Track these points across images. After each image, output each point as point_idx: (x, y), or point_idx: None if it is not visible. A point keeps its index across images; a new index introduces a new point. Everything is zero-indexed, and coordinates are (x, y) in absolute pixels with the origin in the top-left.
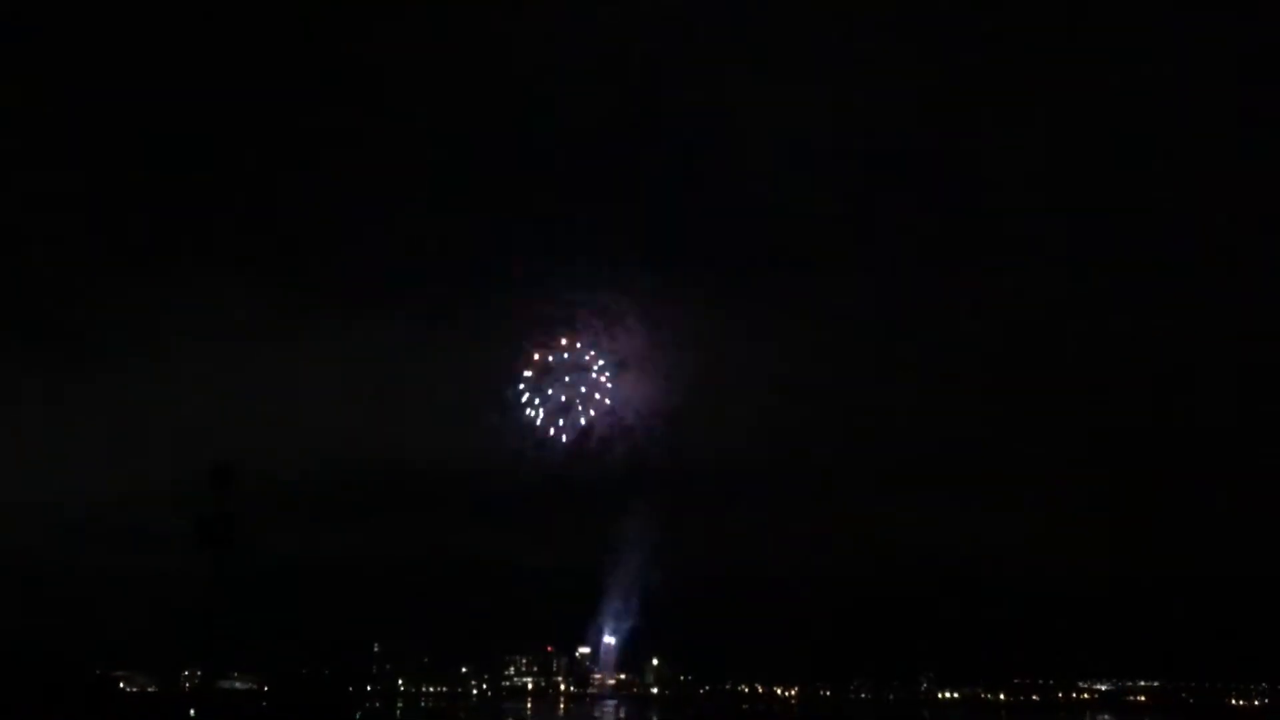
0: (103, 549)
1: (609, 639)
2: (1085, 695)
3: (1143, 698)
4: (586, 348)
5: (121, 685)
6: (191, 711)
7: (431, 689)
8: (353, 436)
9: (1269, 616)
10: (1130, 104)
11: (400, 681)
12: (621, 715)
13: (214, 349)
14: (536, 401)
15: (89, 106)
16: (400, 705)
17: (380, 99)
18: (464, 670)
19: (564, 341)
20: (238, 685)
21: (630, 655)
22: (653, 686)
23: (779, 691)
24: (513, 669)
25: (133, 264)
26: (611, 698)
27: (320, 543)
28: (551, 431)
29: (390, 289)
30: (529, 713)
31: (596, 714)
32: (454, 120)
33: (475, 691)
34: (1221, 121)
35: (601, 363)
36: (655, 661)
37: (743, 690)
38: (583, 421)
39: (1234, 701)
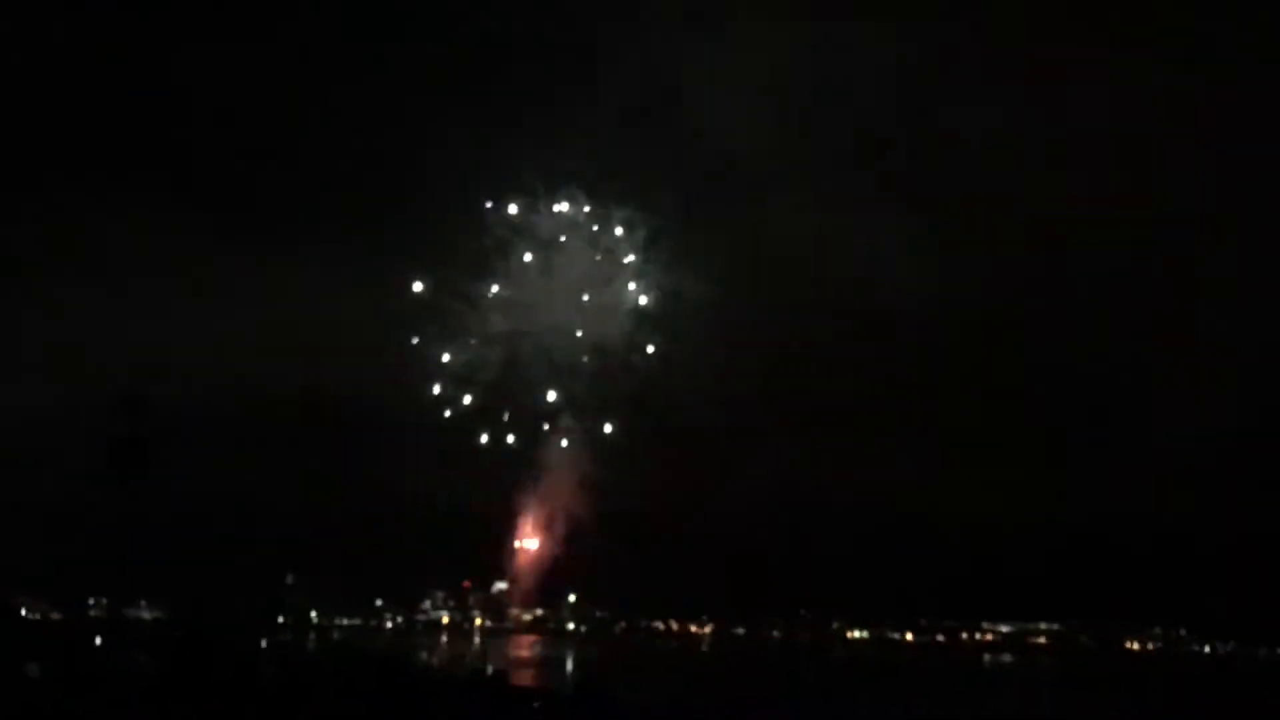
0: (1, 473)
1: (524, 574)
2: (988, 636)
3: (1043, 639)
4: (516, 280)
5: (23, 612)
6: (97, 639)
7: (344, 621)
8: (270, 368)
9: (1162, 564)
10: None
11: (313, 613)
12: (537, 651)
13: (123, 274)
14: (461, 334)
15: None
16: (313, 637)
17: (315, 34)
18: (379, 604)
19: (493, 275)
20: (145, 615)
21: (547, 591)
22: (569, 622)
23: (694, 629)
24: (429, 603)
25: (44, 184)
26: (528, 633)
27: (234, 474)
28: (477, 366)
29: (311, 215)
30: (442, 647)
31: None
32: (381, 48)
33: (389, 625)
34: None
35: (530, 296)
36: (572, 598)
37: (658, 627)
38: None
39: (1129, 645)
